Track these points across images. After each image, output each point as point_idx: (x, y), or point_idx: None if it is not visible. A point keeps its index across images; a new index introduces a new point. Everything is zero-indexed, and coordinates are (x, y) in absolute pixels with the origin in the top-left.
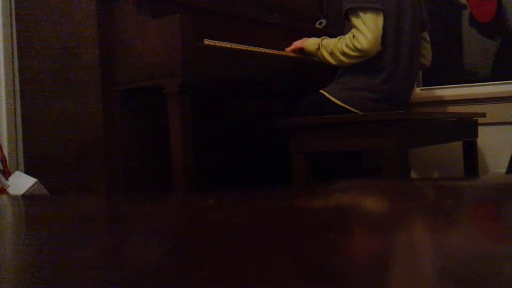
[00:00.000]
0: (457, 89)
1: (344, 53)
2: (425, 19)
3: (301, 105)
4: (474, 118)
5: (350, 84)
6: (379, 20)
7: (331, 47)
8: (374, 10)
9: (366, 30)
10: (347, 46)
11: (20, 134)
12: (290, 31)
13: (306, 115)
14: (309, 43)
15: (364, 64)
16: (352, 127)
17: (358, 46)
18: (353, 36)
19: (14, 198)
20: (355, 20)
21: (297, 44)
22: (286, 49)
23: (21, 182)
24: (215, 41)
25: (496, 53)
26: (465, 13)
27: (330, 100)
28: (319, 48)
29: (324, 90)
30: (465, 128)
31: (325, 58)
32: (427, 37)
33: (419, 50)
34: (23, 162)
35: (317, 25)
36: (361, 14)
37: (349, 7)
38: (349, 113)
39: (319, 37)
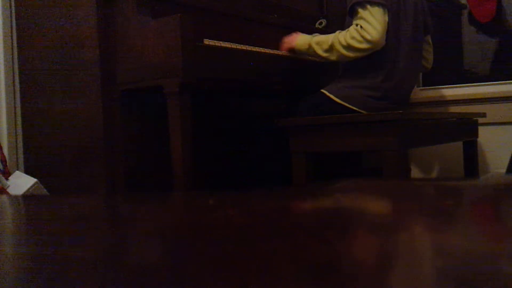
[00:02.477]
0: (457, 89)
1: (349, 47)
2: (429, 23)
3: (302, 105)
4: (474, 118)
5: (350, 82)
6: (386, 16)
7: (330, 42)
8: (382, 5)
9: (375, 21)
10: (353, 38)
11: (20, 134)
12: (290, 31)
13: (307, 115)
14: (300, 42)
15: (364, 62)
16: (352, 127)
17: (368, 37)
18: (361, 27)
19: (14, 198)
20: (362, 12)
21: (288, 43)
22: (281, 48)
23: (21, 182)
24: (215, 41)
25: (495, 53)
26: (465, 13)
27: (331, 99)
28: (309, 46)
29: (324, 89)
30: (465, 128)
31: (318, 55)
32: (430, 40)
33: (421, 52)
34: (23, 162)
35: (317, 25)
36: (369, 7)
37: (357, 0)
38: (350, 111)
39: None
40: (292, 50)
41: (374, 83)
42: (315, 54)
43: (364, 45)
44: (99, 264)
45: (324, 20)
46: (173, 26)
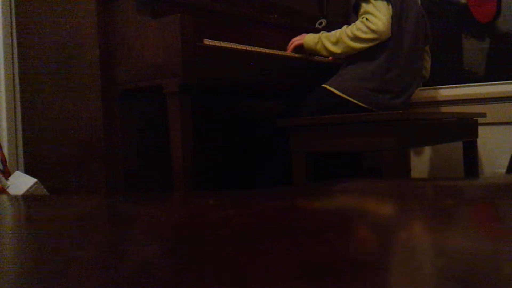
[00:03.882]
0: (457, 89)
1: (356, 38)
2: (429, 33)
3: (305, 101)
4: (474, 118)
5: (348, 75)
6: (389, 9)
7: (337, 36)
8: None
9: (379, 13)
10: (359, 29)
11: (20, 134)
12: (290, 31)
13: (309, 110)
14: (308, 38)
15: (362, 55)
16: (352, 127)
17: (373, 27)
18: (366, 19)
19: (14, 198)
20: (366, 6)
21: (296, 41)
22: (287, 50)
23: (21, 182)
24: (215, 41)
25: (495, 53)
26: (465, 13)
27: (331, 92)
28: (318, 41)
29: (325, 84)
30: (465, 128)
31: (326, 50)
32: (429, 51)
33: (422, 54)
34: (23, 162)
35: (317, 25)
36: (373, 0)
37: None
38: (351, 105)
39: None
40: (300, 47)
41: (369, 73)
42: (323, 47)
43: (370, 35)
44: (99, 264)
45: (324, 20)
46: (173, 26)
